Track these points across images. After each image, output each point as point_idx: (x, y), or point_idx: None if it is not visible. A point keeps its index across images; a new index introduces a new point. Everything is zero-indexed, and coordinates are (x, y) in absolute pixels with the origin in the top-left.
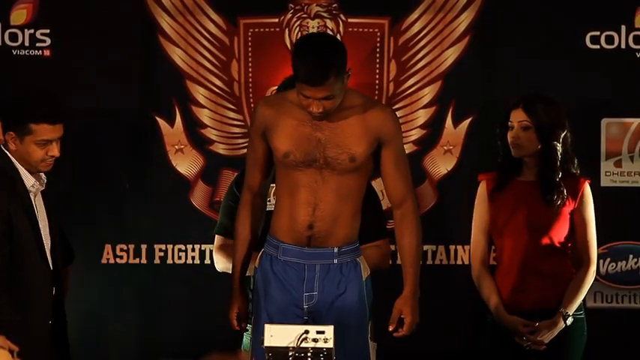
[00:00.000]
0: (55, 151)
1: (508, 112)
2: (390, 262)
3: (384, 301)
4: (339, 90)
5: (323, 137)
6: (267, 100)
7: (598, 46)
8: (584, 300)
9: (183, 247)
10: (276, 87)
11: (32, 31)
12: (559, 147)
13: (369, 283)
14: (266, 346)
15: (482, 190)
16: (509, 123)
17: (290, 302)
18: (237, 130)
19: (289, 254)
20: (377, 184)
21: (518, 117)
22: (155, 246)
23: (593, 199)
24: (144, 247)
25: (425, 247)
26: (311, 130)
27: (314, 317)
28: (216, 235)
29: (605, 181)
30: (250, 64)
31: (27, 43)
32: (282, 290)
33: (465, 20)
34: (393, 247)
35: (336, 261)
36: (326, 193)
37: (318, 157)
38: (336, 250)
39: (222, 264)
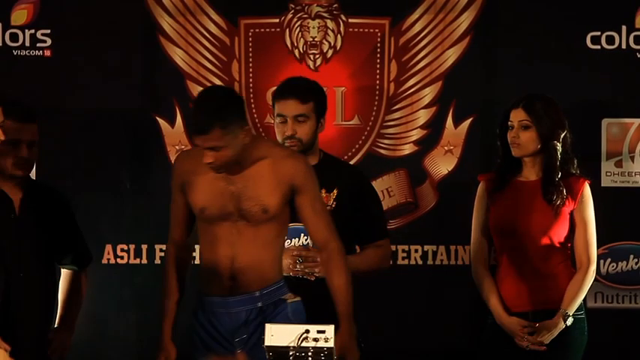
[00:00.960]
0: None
1: (508, 112)
2: (391, 262)
3: (384, 302)
4: (230, 142)
5: (236, 190)
6: (184, 155)
7: (599, 47)
8: (584, 300)
9: None
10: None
11: (33, 31)
12: (559, 147)
13: (298, 307)
14: (266, 346)
15: (481, 190)
16: (510, 123)
17: (224, 351)
18: None
19: (215, 306)
20: (376, 185)
21: (518, 116)
22: (156, 246)
23: (594, 199)
24: (145, 247)
25: (425, 248)
26: (225, 184)
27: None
28: None
29: (605, 182)
30: (251, 65)
31: (27, 44)
32: (214, 340)
33: (465, 21)
34: (393, 247)
35: (260, 304)
36: (242, 245)
37: (232, 210)
38: (258, 293)
39: None
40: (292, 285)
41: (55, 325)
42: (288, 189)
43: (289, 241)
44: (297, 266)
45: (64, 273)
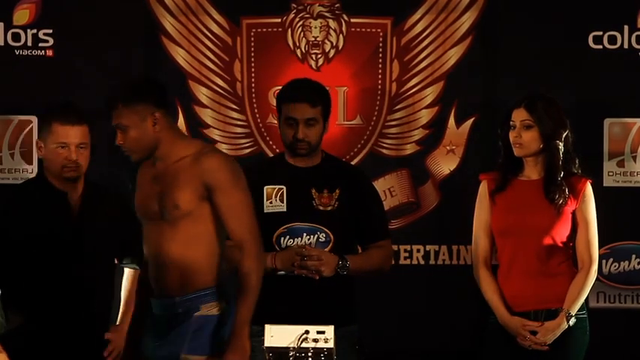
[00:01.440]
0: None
1: (510, 112)
2: (393, 262)
3: (385, 302)
4: (136, 124)
5: (159, 189)
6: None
7: (601, 47)
8: (586, 300)
9: None
10: (279, 87)
11: (35, 31)
12: (561, 146)
13: (205, 323)
14: (266, 347)
15: (483, 189)
16: (512, 122)
17: (149, 352)
18: (239, 130)
19: (154, 308)
20: (378, 185)
21: (520, 116)
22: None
23: (596, 199)
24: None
25: (427, 248)
26: (152, 184)
27: None
28: None
29: (607, 181)
30: (253, 64)
31: (30, 43)
32: (147, 340)
33: (467, 20)
34: (395, 247)
35: (180, 310)
36: (164, 244)
37: (156, 209)
38: (178, 299)
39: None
40: (296, 284)
41: (117, 323)
42: (201, 186)
43: (292, 240)
44: (301, 264)
45: (126, 272)
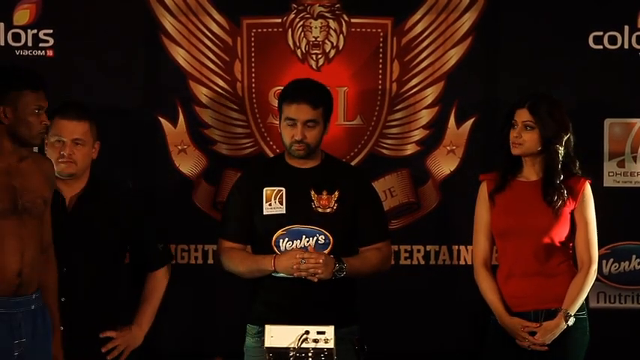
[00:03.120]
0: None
1: (512, 110)
2: (392, 262)
3: (386, 303)
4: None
5: (17, 184)
6: None
7: (601, 47)
8: (586, 300)
9: (186, 247)
10: (279, 87)
11: (35, 31)
12: (561, 150)
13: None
14: (267, 347)
15: (483, 190)
16: (513, 121)
17: (3, 352)
18: (240, 130)
19: (5, 307)
20: (378, 185)
21: (522, 117)
22: (158, 245)
23: (596, 199)
24: None
25: (428, 248)
26: (7, 178)
27: None
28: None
29: (608, 182)
30: (253, 65)
31: (30, 44)
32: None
33: (467, 21)
34: (395, 248)
35: (33, 306)
36: (29, 238)
37: (16, 204)
38: (34, 295)
39: (233, 263)
40: (295, 286)
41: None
42: (50, 186)
43: (291, 242)
44: (301, 267)
45: (149, 275)
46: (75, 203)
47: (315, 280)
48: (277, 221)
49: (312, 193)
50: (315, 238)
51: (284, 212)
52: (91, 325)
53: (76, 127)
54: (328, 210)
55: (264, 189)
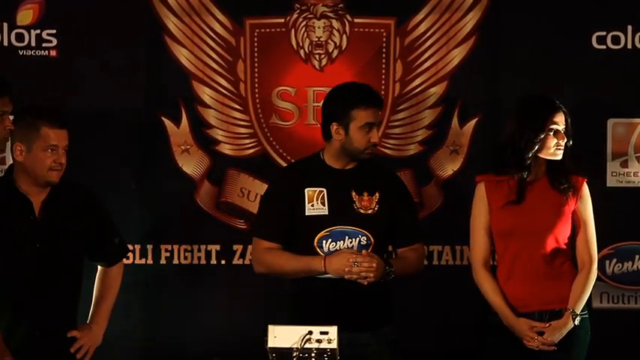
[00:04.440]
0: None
1: (543, 115)
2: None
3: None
4: None
5: None
6: None
7: (604, 47)
8: (589, 300)
9: (189, 247)
10: (282, 87)
11: (38, 31)
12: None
13: None
14: (270, 347)
15: (480, 191)
16: (554, 126)
17: None
18: (243, 130)
19: None
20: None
21: (562, 121)
22: (161, 246)
23: (599, 199)
24: (150, 247)
25: (431, 248)
26: None
27: None
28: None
29: (611, 182)
30: (256, 65)
31: (33, 44)
32: None
33: (470, 21)
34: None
35: None
36: None
37: None
38: None
39: (272, 264)
40: (345, 288)
41: (88, 322)
42: None
43: (334, 243)
44: (353, 270)
45: (98, 269)
46: (43, 208)
47: (366, 283)
48: (320, 222)
49: (354, 194)
50: (358, 239)
51: (327, 213)
52: (60, 326)
53: (66, 135)
54: (370, 211)
55: (306, 189)
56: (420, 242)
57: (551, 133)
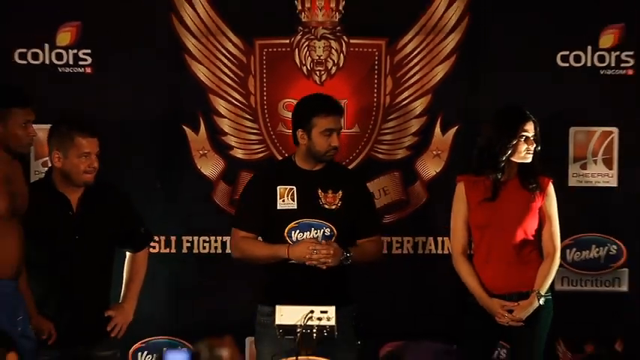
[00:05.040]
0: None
1: (515, 123)
2: (386, 251)
3: (380, 287)
4: None
5: (15, 190)
6: None
7: (567, 64)
8: (552, 283)
9: (207, 238)
10: (287, 99)
11: (75, 51)
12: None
13: None
14: (277, 324)
15: (460, 189)
16: (525, 133)
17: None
18: (253, 137)
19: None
20: (373, 185)
21: (532, 129)
22: (183, 238)
23: (562, 197)
24: (173, 238)
25: (416, 239)
26: (7, 186)
27: None
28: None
29: (572, 182)
30: (265, 80)
31: (71, 62)
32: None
33: (452, 41)
34: (389, 239)
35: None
36: (21, 234)
37: (15, 207)
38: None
39: (246, 251)
40: (307, 272)
41: (120, 301)
42: None
43: (302, 234)
44: (313, 257)
45: (127, 255)
46: (79, 205)
47: (324, 267)
48: (290, 215)
49: (320, 191)
50: (322, 230)
51: (295, 207)
52: (96, 306)
53: (96, 143)
54: (333, 207)
55: (278, 187)
56: (377, 234)
57: (522, 140)
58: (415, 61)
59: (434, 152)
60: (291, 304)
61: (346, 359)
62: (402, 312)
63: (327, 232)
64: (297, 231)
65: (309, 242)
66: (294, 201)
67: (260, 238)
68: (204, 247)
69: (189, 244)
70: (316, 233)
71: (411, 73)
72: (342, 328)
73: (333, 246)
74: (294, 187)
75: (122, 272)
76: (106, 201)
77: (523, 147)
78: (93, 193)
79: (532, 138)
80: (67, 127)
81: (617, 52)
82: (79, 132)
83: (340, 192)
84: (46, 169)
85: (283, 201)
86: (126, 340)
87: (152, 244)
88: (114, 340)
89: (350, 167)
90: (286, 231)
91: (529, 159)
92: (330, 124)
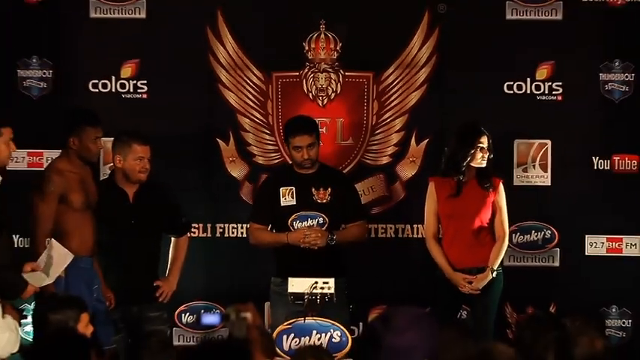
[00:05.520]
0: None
1: (471, 136)
2: (368, 236)
3: (368, 264)
4: None
5: (88, 189)
6: None
7: (512, 92)
8: (502, 260)
9: (235, 225)
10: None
11: (135, 81)
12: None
13: None
14: (290, 292)
15: (431, 188)
16: (480, 145)
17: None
18: (270, 147)
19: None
20: (363, 184)
21: (486, 141)
22: (216, 225)
23: (508, 193)
24: (209, 225)
25: (397, 226)
26: (83, 185)
27: None
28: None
29: (516, 182)
30: (280, 103)
31: (131, 90)
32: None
33: (423, 74)
34: (375, 226)
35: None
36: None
37: (89, 201)
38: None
39: (259, 239)
40: (303, 252)
41: (166, 275)
42: None
43: (301, 223)
44: (305, 240)
45: (172, 240)
46: (135, 197)
47: (315, 248)
48: (291, 209)
49: (313, 189)
50: (317, 219)
51: (295, 203)
52: (148, 278)
53: (149, 149)
54: (324, 201)
55: (281, 188)
56: (361, 220)
57: (478, 149)
58: (395, 89)
59: (410, 159)
60: (297, 276)
61: (340, 318)
62: (385, 283)
63: (321, 220)
64: (298, 221)
65: (302, 230)
66: (293, 198)
67: (271, 227)
68: (232, 232)
69: (221, 230)
70: (312, 222)
71: (392, 98)
72: (337, 294)
73: (320, 231)
74: (293, 188)
75: (168, 253)
76: (155, 196)
77: (479, 155)
78: (146, 189)
79: (486, 148)
80: (127, 136)
81: (550, 83)
82: (135, 140)
83: (329, 189)
84: (110, 170)
85: (285, 199)
86: (171, 304)
87: (194, 230)
88: (161, 304)
89: (345, 171)
90: (289, 221)
91: (484, 164)
92: (298, 142)
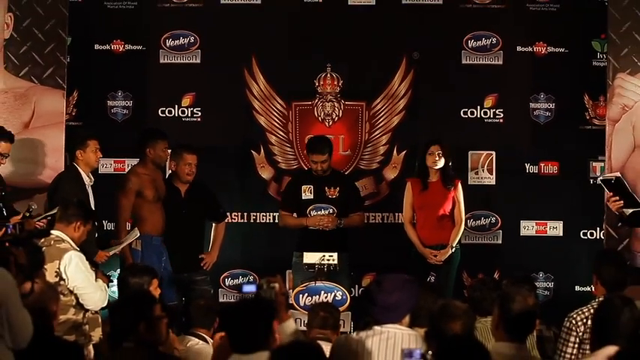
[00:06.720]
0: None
1: (427, 147)
2: (365, 222)
3: (364, 243)
4: None
5: (158, 186)
6: None
7: (467, 116)
8: (460, 239)
9: (264, 213)
10: (309, 135)
11: (192, 108)
12: (450, 163)
13: None
14: (305, 262)
15: (408, 186)
16: (431, 151)
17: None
18: (291, 156)
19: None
20: (358, 183)
21: (437, 149)
22: (251, 213)
23: (464, 191)
24: (245, 214)
25: (383, 214)
26: (155, 183)
27: None
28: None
29: (470, 182)
30: (298, 124)
31: (189, 114)
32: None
33: (403, 103)
34: (368, 214)
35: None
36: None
37: (159, 196)
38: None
39: (286, 222)
40: (317, 232)
41: (208, 251)
42: None
43: (316, 211)
44: (319, 223)
45: (213, 226)
46: (186, 193)
47: (327, 229)
48: (309, 202)
49: (326, 188)
50: (328, 210)
51: (312, 198)
52: (196, 252)
53: (196, 158)
54: (334, 197)
55: (302, 186)
56: (360, 212)
57: (429, 154)
58: (382, 114)
59: (393, 165)
60: (313, 251)
61: (343, 283)
62: (376, 256)
63: (331, 210)
64: (314, 210)
65: (318, 216)
66: (311, 194)
67: (295, 214)
68: (262, 219)
69: (254, 217)
70: (325, 212)
71: (380, 121)
72: (342, 264)
73: (331, 217)
74: (312, 186)
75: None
76: (201, 192)
77: (430, 159)
78: (194, 188)
79: (435, 153)
80: (180, 148)
81: (494, 109)
82: (185, 150)
83: (338, 188)
84: (170, 172)
85: (305, 194)
86: (217, 272)
87: (233, 217)
88: (205, 271)
89: (345, 174)
90: (308, 210)
91: (437, 166)
92: (315, 159)
